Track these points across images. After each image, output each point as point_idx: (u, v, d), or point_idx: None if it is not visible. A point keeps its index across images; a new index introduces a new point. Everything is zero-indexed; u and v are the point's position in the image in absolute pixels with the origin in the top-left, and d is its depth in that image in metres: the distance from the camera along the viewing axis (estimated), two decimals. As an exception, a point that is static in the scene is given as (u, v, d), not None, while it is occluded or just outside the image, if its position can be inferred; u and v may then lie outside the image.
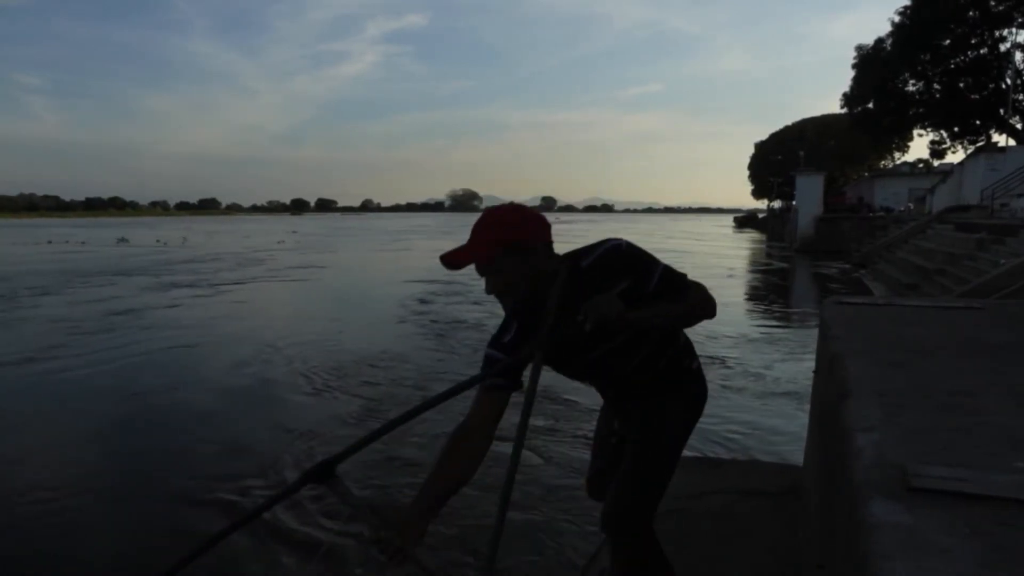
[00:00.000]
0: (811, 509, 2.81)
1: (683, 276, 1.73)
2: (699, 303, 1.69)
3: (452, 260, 1.58)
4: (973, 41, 29.69)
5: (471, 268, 1.61)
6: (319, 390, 7.48)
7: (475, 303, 14.20)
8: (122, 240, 46.00)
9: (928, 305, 2.95)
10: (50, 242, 43.97)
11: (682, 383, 1.96)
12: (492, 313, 13.09)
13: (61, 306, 14.71)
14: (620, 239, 1.71)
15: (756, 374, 8.07)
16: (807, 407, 6.48)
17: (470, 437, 1.61)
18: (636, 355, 1.80)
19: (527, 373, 1.60)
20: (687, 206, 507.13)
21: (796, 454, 5.40)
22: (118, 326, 12.21)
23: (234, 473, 5.00)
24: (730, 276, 22.31)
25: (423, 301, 15.10)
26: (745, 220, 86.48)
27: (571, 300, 1.58)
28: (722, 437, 5.73)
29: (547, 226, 1.67)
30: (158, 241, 44.99)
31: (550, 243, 1.67)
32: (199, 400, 7.36)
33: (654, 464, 1.89)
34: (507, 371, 1.62)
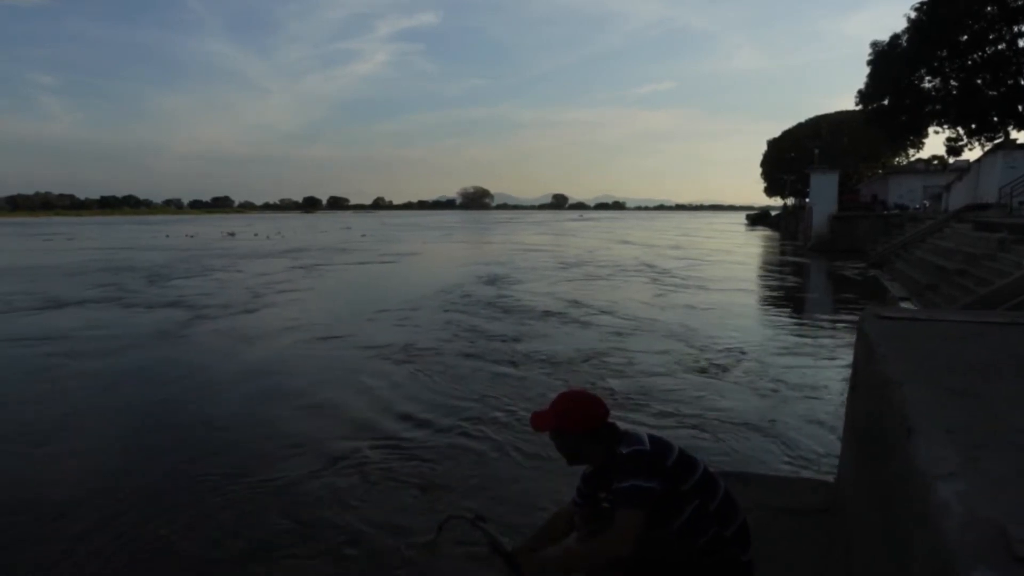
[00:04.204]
0: (855, 534, 2.68)
1: (625, 503, 1.98)
2: (602, 544, 1.98)
3: (535, 422, 2.22)
4: (991, 37, 29.15)
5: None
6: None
7: (518, 282, 19.44)
8: (230, 234, 55.81)
9: (977, 320, 2.81)
10: (167, 236, 53.43)
11: (719, 566, 2.13)
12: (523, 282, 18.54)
13: (244, 277, 20.70)
14: (641, 446, 2.09)
15: (780, 380, 7.92)
16: (826, 414, 6.34)
17: (562, 517, 2.39)
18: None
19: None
20: (699, 204, 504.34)
21: (812, 461, 5.29)
22: (299, 286, 18.15)
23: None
24: (749, 280, 22.08)
25: (490, 278, 20.26)
26: (757, 218, 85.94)
27: (604, 479, 2.17)
28: (746, 446, 5.60)
29: (589, 419, 2.17)
30: (256, 235, 54.33)
31: (589, 432, 2.16)
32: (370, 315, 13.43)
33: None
34: (581, 495, 2.31)
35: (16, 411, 7.08)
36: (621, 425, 2.25)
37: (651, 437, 2.18)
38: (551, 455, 4.57)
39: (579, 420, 2.17)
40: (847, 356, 7.80)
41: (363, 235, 54.54)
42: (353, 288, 18.95)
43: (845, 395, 3.53)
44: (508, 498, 4.77)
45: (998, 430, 1.52)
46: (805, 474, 4.97)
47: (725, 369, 8.40)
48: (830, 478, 4.05)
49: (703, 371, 8.30)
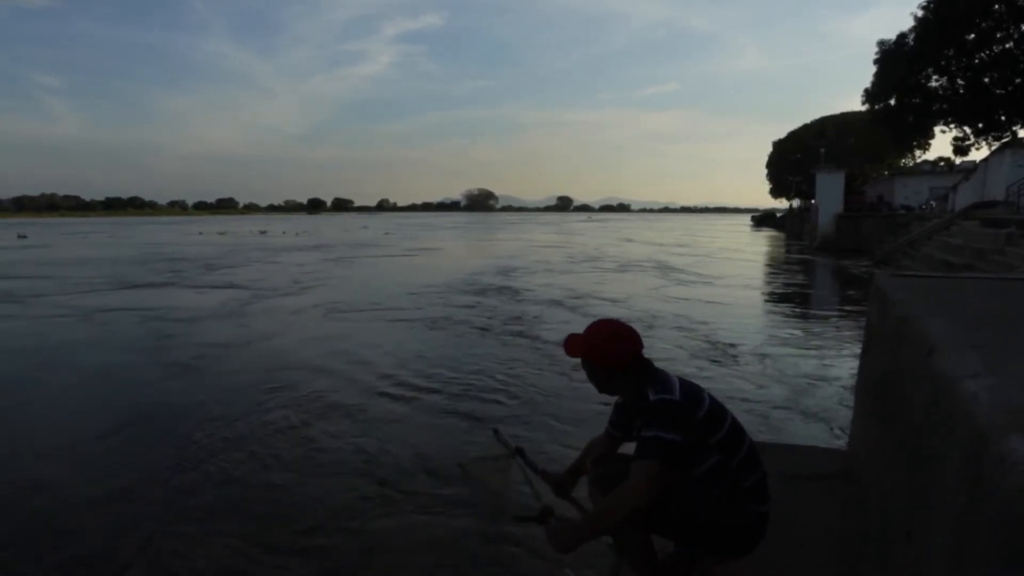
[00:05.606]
0: (870, 488, 2.70)
1: (644, 453, 1.95)
2: (618, 497, 1.95)
3: (568, 346, 2.19)
4: (999, 35, 29.01)
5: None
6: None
7: (533, 272, 21.03)
8: (262, 232, 60.79)
9: (988, 277, 2.82)
10: (200, 234, 57.81)
11: (733, 515, 2.10)
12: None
13: (286, 267, 22.87)
14: (671, 396, 2.02)
15: (785, 368, 7.94)
16: (843, 403, 6.36)
17: (596, 446, 2.43)
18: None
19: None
20: (704, 205, 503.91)
21: (820, 437, 5.34)
22: (337, 276, 20.08)
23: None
24: (755, 280, 22.07)
25: (507, 269, 22.04)
26: (762, 219, 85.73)
27: (635, 412, 2.16)
28: (762, 422, 5.64)
29: (617, 356, 2.09)
30: (284, 233, 58.76)
31: (616, 369, 2.11)
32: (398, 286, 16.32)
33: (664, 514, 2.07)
34: (614, 425, 2.36)
35: (154, 356, 8.72)
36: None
37: (682, 384, 2.09)
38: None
39: (603, 357, 2.10)
40: (855, 347, 7.83)
41: (386, 232, 59.21)
42: (386, 275, 21.05)
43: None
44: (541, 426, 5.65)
45: (1020, 350, 1.55)
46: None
47: (738, 358, 8.41)
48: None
49: (717, 360, 8.32)
